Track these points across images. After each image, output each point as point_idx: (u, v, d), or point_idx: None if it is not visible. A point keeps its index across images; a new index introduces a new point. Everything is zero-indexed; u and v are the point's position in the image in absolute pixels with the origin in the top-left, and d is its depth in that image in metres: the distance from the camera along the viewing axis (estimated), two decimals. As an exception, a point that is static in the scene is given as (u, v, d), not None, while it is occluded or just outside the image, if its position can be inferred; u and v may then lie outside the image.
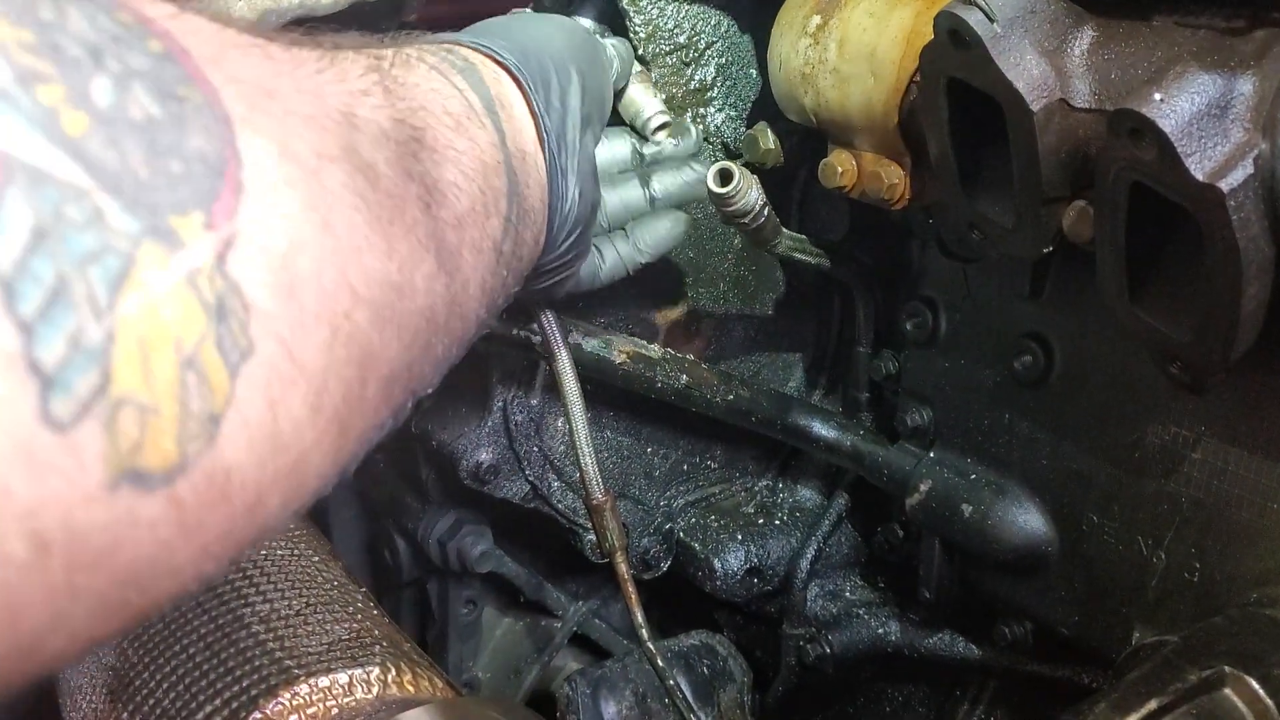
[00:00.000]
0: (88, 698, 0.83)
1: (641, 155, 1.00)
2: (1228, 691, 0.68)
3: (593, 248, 0.96)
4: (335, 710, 0.75)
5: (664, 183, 0.99)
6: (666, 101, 1.05)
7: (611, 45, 0.99)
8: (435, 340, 0.60)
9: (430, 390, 0.63)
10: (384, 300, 0.52)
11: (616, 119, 1.02)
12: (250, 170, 0.44)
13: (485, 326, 0.70)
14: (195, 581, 0.44)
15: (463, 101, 0.69)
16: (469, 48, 0.77)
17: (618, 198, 0.97)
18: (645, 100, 1.01)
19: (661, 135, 1.00)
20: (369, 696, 0.79)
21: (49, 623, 0.38)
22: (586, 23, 1.04)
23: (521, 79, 0.77)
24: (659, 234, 0.99)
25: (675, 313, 1.18)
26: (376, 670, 0.79)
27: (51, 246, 0.36)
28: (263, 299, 0.43)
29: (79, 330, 0.36)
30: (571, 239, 0.84)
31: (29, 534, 0.36)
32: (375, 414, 0.53)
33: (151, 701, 0.78)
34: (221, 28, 0.50)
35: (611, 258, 0.98)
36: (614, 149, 0.99)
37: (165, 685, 0.78)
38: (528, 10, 0.94)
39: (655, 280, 1.15)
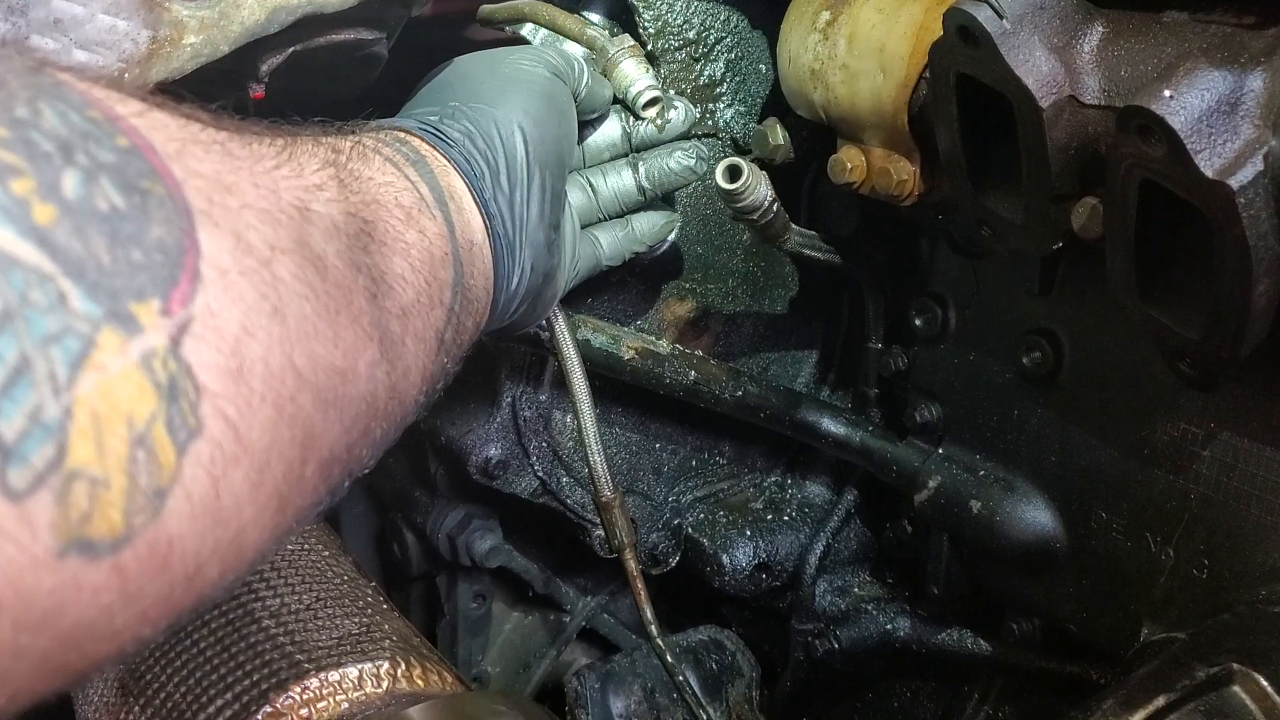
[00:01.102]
0: (99, 691, 0.84)
1: (629, 136, 1.01)
2: (1236, 688, 0.68)
3: (590, 238, 0.99)
4: (345, 704, 0.75)
5: (650, 171, 1.00)
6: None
7: (577, 58, 0.97)
8: (375, 424, 0.61)
9: (367, 470, 0.65)
10: (328, 384, 0.54)
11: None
12: (207, 260, 0.46)
13: (423, 410, 0.72)
14: (133, 644, 0.46)
15: (415, 195, 0.71)
16: (419, 138, 0.79)
17: (609, 188, 1.00)
18: (636, 75, 1.00)
19: (651, 111, 1.00)
20: (379, 691, 0.80)
21: None
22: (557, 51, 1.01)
23: (465, 173, 0.79)
24: (652, 228, 1.03)
25: (684, 309, 1.18)
26: (386, 664, 0.79)
27: (16, 327, 0.38)
28: (213, 381, 0.45)
29: (38, 406, 0.38)
30: (520, 310, 0.86)
31: None
32: (314, 492, 0.55)
33: (163, 695, 0.78)
34: (185, 123, 0.52)
35: (611, 245, 1.01)
36: (605, 132, 1.01)
37: (176, 679, 0.78)
38: (479, 55, 0.93)
39: (664, 276, 1.15)
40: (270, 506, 0.50)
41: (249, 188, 0.52)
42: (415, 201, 0.71)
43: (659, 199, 1.04)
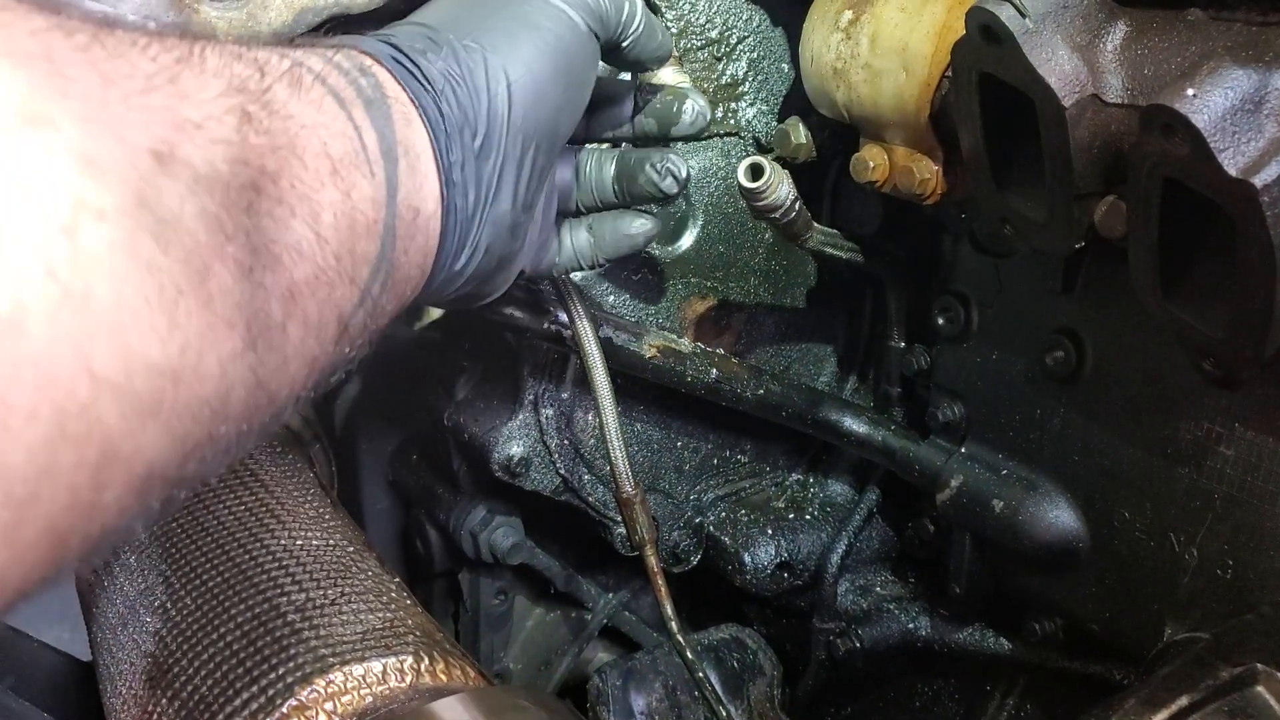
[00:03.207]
0: (128, 684, 0.85)
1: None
2: (1260, 689, 0.68)
3: (556, 232, 0.87)
4: (369, 698, 0.76)
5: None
6: None
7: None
8: (226, 428, 0.49)
9: (215, 476, 0.54)
10: (147, 389, 0.42)
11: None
12: None
13: (305, 403, 0.59)
14: None
15: (352, 143, 0.59)
16: (388, 70, 0.66)
17: (592, 179, 0.87)
18: (663, 71, 0.99)
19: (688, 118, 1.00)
20: (402, 685, 0.80)
21: None
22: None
23: (433, 126, 0.66)
24: (619, 236, 0.88)
25: (706, 307, 1.18)
26: (410, 659, 0.79)
27: None
28: None
29: None
30: (459, 291, 0.75)
31: None
32: (119, 516, 0.44)
33: (190, 688, 0.79)
34: (54, 19, 0.43)
35: (568, 250, 0.88)
36: (618, 108, 0.89)
37: (203, 673, 0.79)
38: None
39: (686, 274, 1.15)
40: (40, 545, 0.40)
41: (78, 118, 0.41)
42: (350, 152, 0.58)
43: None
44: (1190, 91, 0.66)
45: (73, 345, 0.38)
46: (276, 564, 0.88)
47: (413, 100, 0.65)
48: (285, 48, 0.60)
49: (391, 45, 0.67)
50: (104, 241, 0.40)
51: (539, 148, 0.73)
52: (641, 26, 0.80)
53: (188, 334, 0.44)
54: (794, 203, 0.93)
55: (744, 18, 1.09)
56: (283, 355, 0.53)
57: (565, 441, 1.19)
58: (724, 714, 1.04)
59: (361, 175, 0.58)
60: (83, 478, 0.40)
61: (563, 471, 1.19)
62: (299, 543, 0.92)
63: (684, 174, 0.85)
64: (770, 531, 1.26)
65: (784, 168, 0.92)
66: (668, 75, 1.00)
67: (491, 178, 0.70)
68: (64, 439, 0.39)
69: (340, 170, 0.57)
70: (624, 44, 0.80)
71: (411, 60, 0.67)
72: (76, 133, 0.40)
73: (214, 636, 0.82)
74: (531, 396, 1.16)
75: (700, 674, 1.03)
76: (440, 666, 0.80)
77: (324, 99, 0.58)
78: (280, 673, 0.77)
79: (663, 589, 1.01)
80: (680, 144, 1.10)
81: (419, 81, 0.66)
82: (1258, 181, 0.64)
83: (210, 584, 0.86)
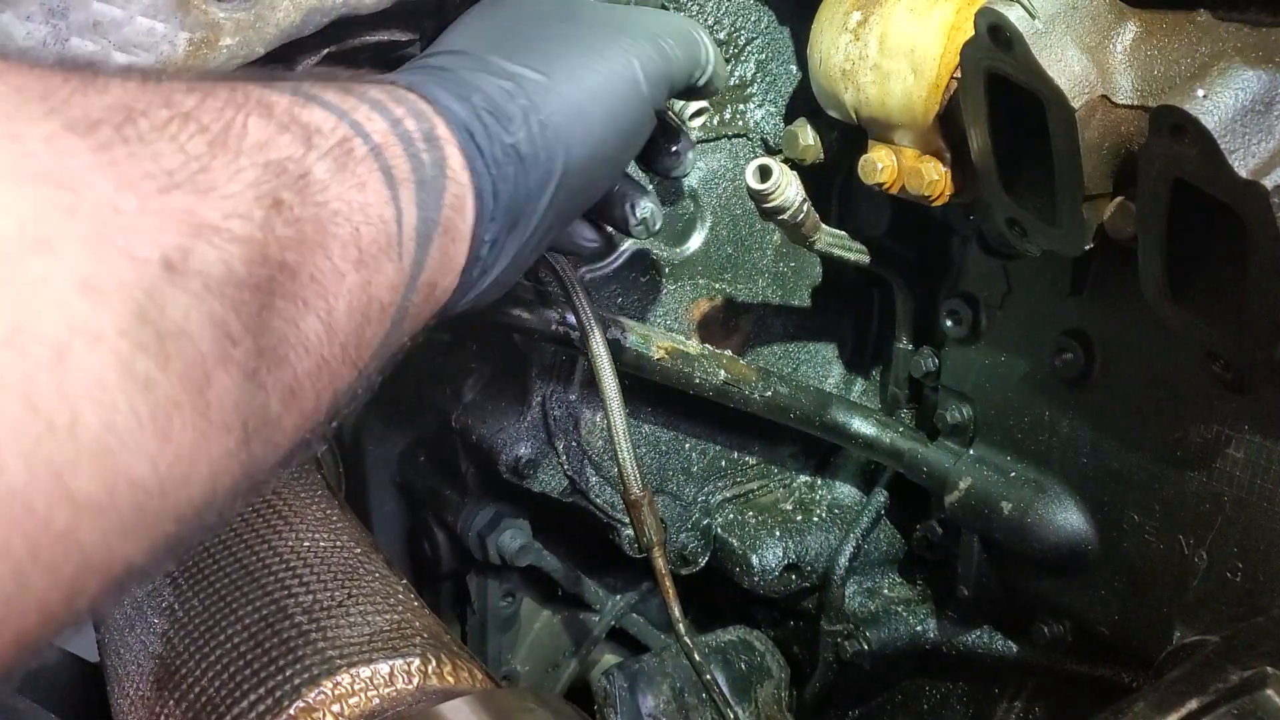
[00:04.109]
0: (135, 685, 0.85)
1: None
2: (1269, 692, 0.67)
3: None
4: (376, 700, 0.76)
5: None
6: None
7: (704, 40, 0.80)
8: (207, 519, 0.46)
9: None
10: (131, 506, 0.40)
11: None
12: None
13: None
14: None
15: (388, 227, 0.55)
16: (459, 148, 0.61)
17: None
18: None
19: (697, 122, 1.00)
20: (410, 687, 0.80)
21: None
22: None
23: (482, 208, 0.62)
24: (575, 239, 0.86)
25: (713, 308, 1.18)
26: (417, 661, 0.79)
27: None
28: None
29: None
30: (462, 310, 0.70)
31: None
32: (92, 612, 0.42)
33: (197, 690, 0.79)
34: (54, 88, 0.40)
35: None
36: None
37: (210, 674, 0.79)
38: None
39: (694, 275, 1.15)
40: (6, 652, 0.38)
41: (78, 240, 0.38)
42: (382, 236, 0.54)
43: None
44: (1200, 92, 0.66)
45: (52, 475, 0.36)
46: (284, 565, 0.88)
47: (473, 182, 0.61)
48: (358, 90, 0.56)
49: (474, 110, 0.62)
50: (96, 367, 0.38)
51: (567, 219, 0.72)
52: (709, 72, 0.78)
53: (180, 447, 0.42)
54: (802, 204, 0.93)
55: (752, 19, 1.09)
56: (275, 446, 0.50)
57: (573, 443, 1.18)
58: (731, 716, 1.04)
59: (388, 260, 0.55)
60: (56, 595, 0.39)
61: (570, 473, 1.19)
62: (306, 544, 0.92)
63: (656, 227, 0.86)
64: (778, 533, 1.26)
65: (792, 169, 0.92)
66: None
67: (517, 250, 0.67)
68: (36, 565, 0.37)
69: (366, 257, 0.53)
70: (696, 81, 0.78)
71: (488, 134, 0.62)
72: (79, 254, 0.38)
73: (221, 638, 0.82)
74: (539, 398, 1.16)
75: (708, 676, 1.03)
76: (448, 668, 0.80)
77: (371, 177, 0.54)
78: (287, 675, 0.77)
79: (670, 591, 1.01)
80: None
81: (485, 162, 0.62)
82: (1268, 183, 0.64)
83: (217, 586, 0.86)
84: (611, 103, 0.69)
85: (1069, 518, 1.00)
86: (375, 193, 0.54)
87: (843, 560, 1.24)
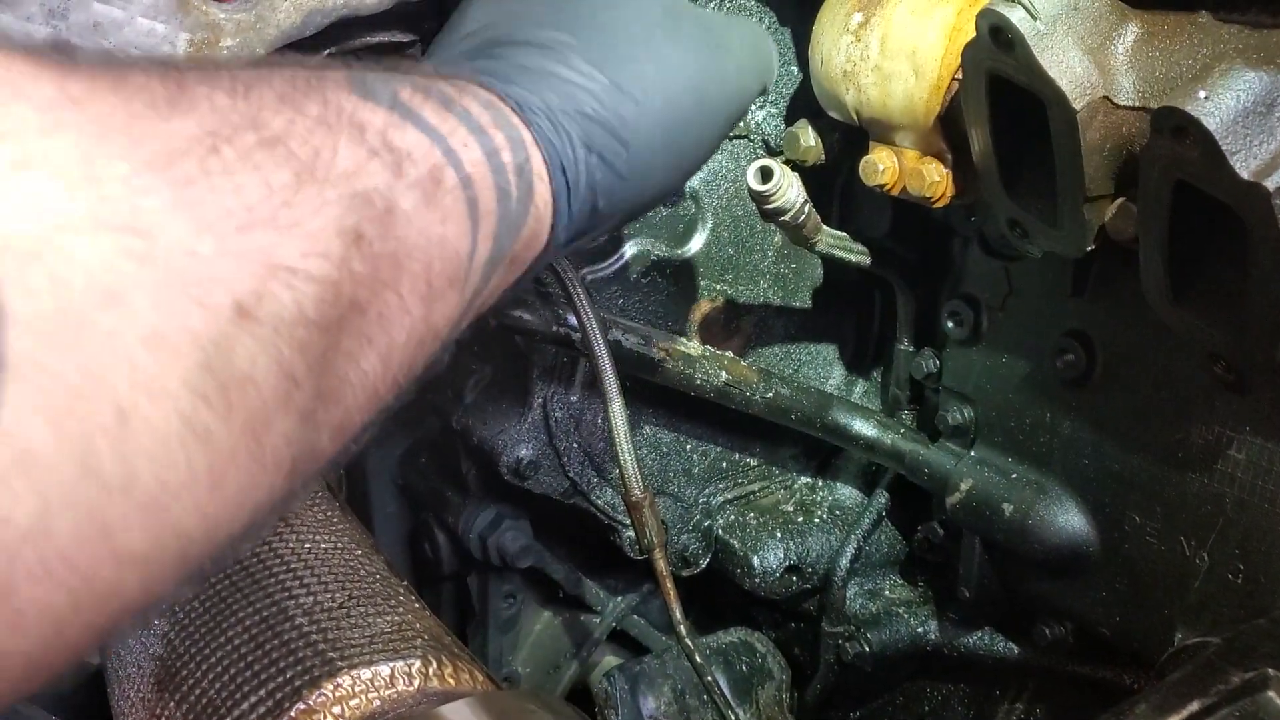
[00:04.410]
0: (135, 686, 0.85)
1: None
2: (1271, 694, 0.67)
3: None
4: (377, 702, 0.76)
5: None
6: None
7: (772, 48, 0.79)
8: (239, 551, 0.47)
9: None
10: (177, 555, 0.40)
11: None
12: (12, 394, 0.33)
13: None
14: None
15: (461, 259, 0.53)
16: (550, 181, 0.59)
17: None
18: None
19: None
20: (410, 689, 0.80)
21: None
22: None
23: (554, 235, 0.60)
24: None
25: (715, 309, 1.18)
26: (418, 663, 0.79)
27: None
28: None
29: None
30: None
31: None
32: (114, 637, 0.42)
33: (198, 692, 0.79)
34: (123, 102, 0.39)
35: None
36: None
37: (211, 676, 0.79)
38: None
39: (695, 277, 1.15)
40: (30, 682, 0.38)
41: (150, 289, 0.37)
42: (454, 269, 0.52)
43: None
44: (1202, 94, 0.66)
45: (102, 534, 0.36)
46: (284, 567, 0.88)
47: (552, 219, 0.59)
48: (460, 107, 0.54)
49: (569, 141, 0.60)
50: (157, 423, 0.37)
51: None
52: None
53: (230, 492, 0.41)
54: (803, 205, 0.93)
55: (753, 20, 1.09)
56: (315, 474, 0.49)
57: (574, 444, 1.18)
58: (732, 718, 1.04)
59: (454, 291, 0.53)
60: (90, 638, 0.38)
61: (572, 474, 1.19)
62: (307, 546, 0.92)
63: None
64: (779, 535, 1.25)
65: (793, 170, 0.92)
66: None
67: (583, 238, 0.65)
68: (76, 617, 0.36)
69: (435, 291, 0.51)
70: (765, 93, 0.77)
71: (578, 169, 0.60)
72: (148, 305, 0.37)
73: (222, 640, 0.82)
74: (541, 399, 1.16)
75: (709, 678, 1.03)
76: (448, 670, 0.80)
77: (455, 209, 0.52)
78: (288, 676, 0.77)
79: (671, 592, 1.00)
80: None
81: (569, 198, 0.60)
82: (1270, 184, 0.64)
83: (218, 587, 0.86)
84: (696, 138, 0.67)
85: (1070, 519, 1.00)
86: (456, 225, 0.52)
87: (844, 562, 1.24)
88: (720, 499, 1.29)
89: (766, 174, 0.90)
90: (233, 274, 0.39)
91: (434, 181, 0.50)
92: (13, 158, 0.35)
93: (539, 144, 0.58)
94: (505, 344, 1.16)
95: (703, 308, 1.17)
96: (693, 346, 1.12)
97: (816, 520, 1.29)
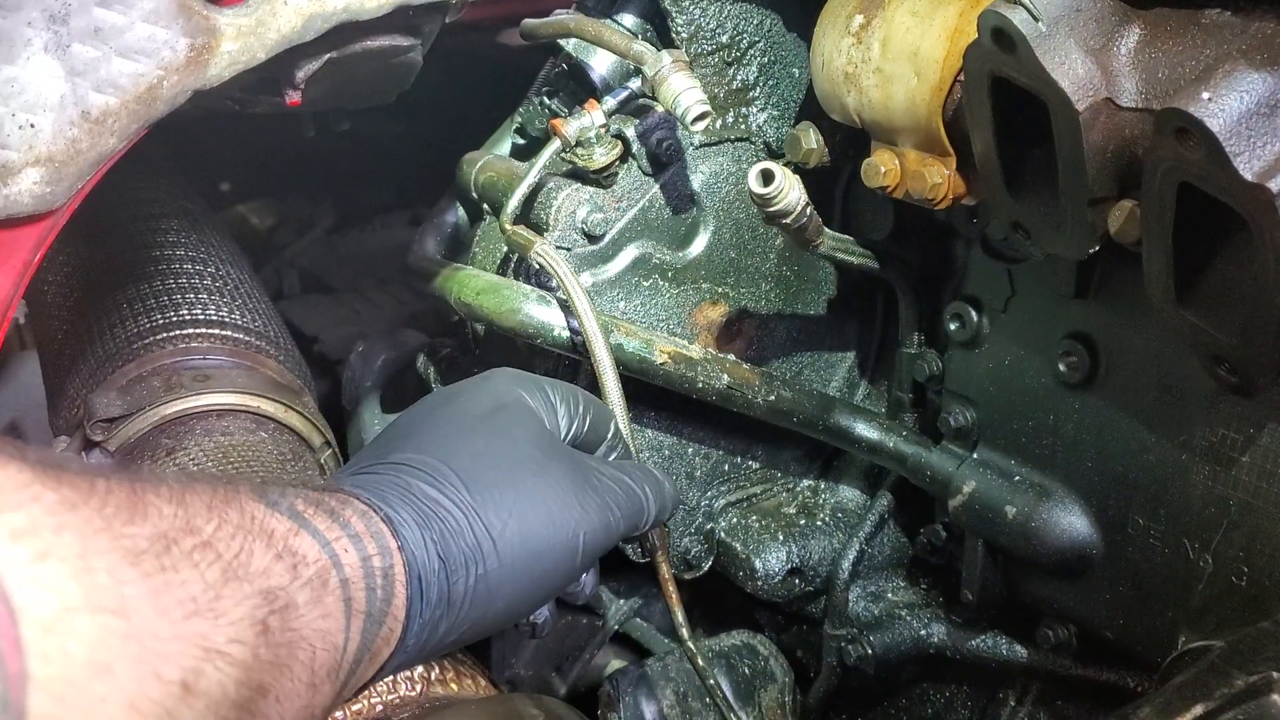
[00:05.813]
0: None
1: None
2: (1275, 698, 0.67)
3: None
4: (380, 707, 0.76)
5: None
6: (709, 102, 1.04)
7: (647, 496, 0.84)
8: None
9: None
10: None
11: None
12: None
13: None
14: None
15: (337, 654, 0.62)
16: (407, 593, 0.67)
17: None
18: (684, 89, 0.98)
19: (700, 125, 0.99)
20: (413, 694, 0.80)
21: None
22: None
23: (404, 638, 0.68)
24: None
25: (717, 313, 1.18)
26: (420, 668, 0.79)
27: None
28: None
29: None
30: None
31: None
32: None
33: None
34: (84, 570, 0.47)
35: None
36: None
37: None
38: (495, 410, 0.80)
39: (697, 280, 1.15)
40: None
41: (130, 662, 0.46)
42: (331, 663, 0.61)
43: None
44: (1205, 95, 0.66)
45: None
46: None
47: (405, 621, 0.67)
48: (343, 518, 0.64)
49: (428, 552, 0.68)
50: None
51: (473, 640, 0.76)
52: (644, 527, 0.84)
53: None
54: (805, 208, 0.93)
55: (755, 23, 1.09)
56: None
57: (576, 447, 1.18)
58: (735, 721, 1.04)
59: (330, 682, 0.62)
60: None
61: (573, 478, 1.18)
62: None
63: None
64: (781, 537, 1.25)
65: (795, 173, 0.92)
66: (679, 81, 1.00)
67: (406, 660, 0.72)
68: None
69: (317, 680, 0.60)
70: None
71: (435, 577, 0.68)
72: (130, 677, 0.46)
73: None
74: (542, 402, 1.16)
75: (711, 681, 1.02)
76: (451, 675, 0.80)
77: (335, 607, 0.61)
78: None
79: (674, 595, 1.00)
80: (692, 149, 1.10)
81: (422, 605, 0.68)
82: (1273, 186, 0.64)
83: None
84: (547, 568, 0.74)
85: (1073, 522, 1.00)
86: (334, 622, 0.61)
87: (846, 564, 1.23)
88: (722, 502, 1.28)
89: (768, 177, 0.90)
90: (180, 654, 0.49)
91: (321, 582, 0.60)
92: (36, 550, 0.45)
93: (402, 552, 0.67)
94: (507, 347, 1.16)
95: (705, 310, 1.17)
96: (694, 349, 1.12)
97: (819, 523, 1.29)
